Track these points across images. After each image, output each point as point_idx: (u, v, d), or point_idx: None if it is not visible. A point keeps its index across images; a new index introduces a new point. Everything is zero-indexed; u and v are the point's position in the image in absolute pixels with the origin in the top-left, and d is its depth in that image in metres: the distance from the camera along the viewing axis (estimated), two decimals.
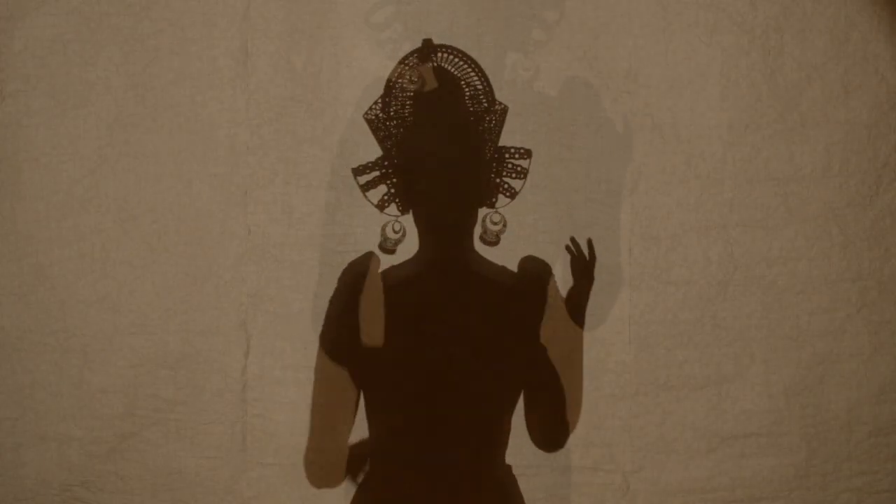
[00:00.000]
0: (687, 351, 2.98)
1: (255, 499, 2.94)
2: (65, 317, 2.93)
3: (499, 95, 2.73)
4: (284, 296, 2.94)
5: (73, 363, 2.93)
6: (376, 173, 2.34)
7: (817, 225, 3.00)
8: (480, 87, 2.32)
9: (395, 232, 2.31)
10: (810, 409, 2.99)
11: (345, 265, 2.86)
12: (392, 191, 2.34)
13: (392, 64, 2.80)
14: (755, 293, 3.00)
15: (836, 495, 2.99)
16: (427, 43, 2.35)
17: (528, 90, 2.95)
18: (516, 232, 2.73)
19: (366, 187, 2.38)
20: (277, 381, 2.94)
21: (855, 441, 3.00)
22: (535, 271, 2.32)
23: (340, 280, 2.45)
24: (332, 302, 2.36)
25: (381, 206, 2.36)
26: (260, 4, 2.93)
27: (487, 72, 2.78)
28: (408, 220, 2.35)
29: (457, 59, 2.32)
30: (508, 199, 2.31)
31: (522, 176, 2.33)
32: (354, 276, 2.41)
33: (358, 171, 2.38)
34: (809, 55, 2.99)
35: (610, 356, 2.91)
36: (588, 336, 2.93)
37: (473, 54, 2.86)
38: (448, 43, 2.84)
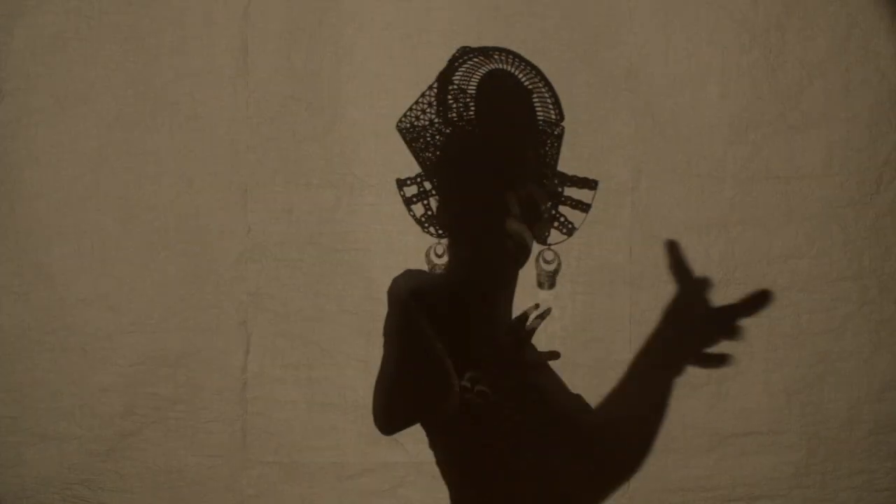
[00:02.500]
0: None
1: (254, 497, 2.95)
2: (64, 315, 2.93)
3: None
4: (284, 294, 2.94)
5: (73, 362, 2.93)
6: (415, 190, 2.01)
7: (818, 223, 2.99)
8: (548, 97, 1.97)
9: (439, 256, 1.99)
10: (810, 407, 2.99)
11: (344, 264, 2.87)
12: (429, 213, 2.01)
13: (390, 63, 2.80)
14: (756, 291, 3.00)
15: (835, 493, 2.99)
16: (467, 49, 1.96)
17: None
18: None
19: (409, 201, 2.08)
20: (277, 379, 2.95)
21: (855, 439, 3.00)
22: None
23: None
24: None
25: (421, 224, 2.06)
26: (260, 3, 2.93)
27: None
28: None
29: (521, 63, 1.89)
30: (565, 236, 1.99)
31: (585, 209, 1.98)
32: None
33: (402, 183, 2.05)
34: (810, 53, 2.98)
35: (610, 355, 2.91)
36: (588, 335, 2.93)
37: None
38: (448, 42, 2.84)
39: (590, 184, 1.94)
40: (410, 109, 2.01)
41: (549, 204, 1.98)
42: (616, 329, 2.96)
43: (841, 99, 2.99)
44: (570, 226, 2.00)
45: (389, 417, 2.08)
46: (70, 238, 2.93)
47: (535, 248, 2.00)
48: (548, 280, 1.98)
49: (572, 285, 2.96)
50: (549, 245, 2.02)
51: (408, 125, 2.06)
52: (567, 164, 2.99)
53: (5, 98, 2.93)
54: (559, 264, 1.94)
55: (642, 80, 2.97)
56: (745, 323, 2.98)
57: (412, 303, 1.99)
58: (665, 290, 2.99)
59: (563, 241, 1.94)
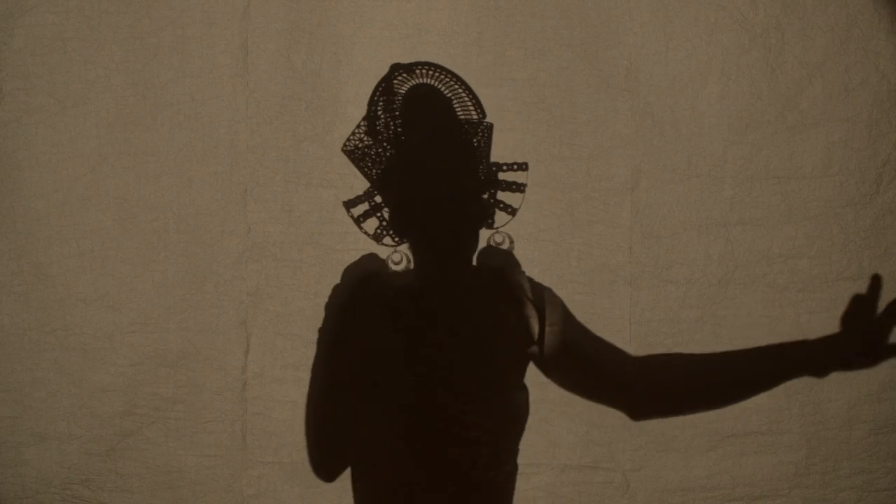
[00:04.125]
0: (687, 349, 2.98)
1: (255, 497, 2.95)
2: (65, 315, 2.93)
3: (499, 92, 2.73)
4: (284, 294, 2.94)
5: (73, 362, 2.92)
6: (366, 206, 2.18)
7: (818, 223, 3.00)
8: (469, 101, 2.16)
9: (396, 263, 2.15)
10: (810, 407, 2.99)
11: (344, 264, 2.85)
12: (384, 224, 2.17)
13: (390, 63, 2.79)
14: (755, 291, 3.00)
15: (835, 493, 2.99)
16: (396, 66, 2.22)
17: (528, 88, 2.95)
18: (517, 230, 2.73)
19: (360, 219, 2.21)
20: (277, 379, 2.94)
21: (854, 439, 3.00)
22: (495, 266, 2.15)
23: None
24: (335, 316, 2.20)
25: (377, 237, 2.20)
26: (260, 3, 2.93)
27: (487, 69, 2.78)
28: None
29: (440, 74, 2.13)
30: (509, 217, 2.17)
31: (521, 190, 2.17)
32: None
33: (350, 204, 2.19)
34: (810, 53, 2.98)
35: None
36: None
37: (473, 52, 2.86)
38: (448, 42, 2.84)
39: (522, 166, 2.14)
40: (354, 132, 2.16)
41: (489, 193, 2.15)
42: (616, 329, 2.96)
43: (840, 99, 2.99)
44: (510, 208, 2.16)
45: (320, 450, 2.17)
46: (70, 237, 2.93)
47: (484, 233, 2.17)
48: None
49: (572, 285, 2.96)
50: (497, 228, 2.15)
51: (352, 147, 2.18)
52: (567, 163, 3.00)
53: (5, 98, 2.93)
54: (511, 241, 2.11)
55: (642, 80, 2.97)
56: (743, 322, 2.98)
57: (361, 287, 2.12)
58: (665, 289, 2.99)
59: (509, 220, 2.09)
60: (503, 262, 2.18)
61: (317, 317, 2.94)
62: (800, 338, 2.97)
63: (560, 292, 2.84)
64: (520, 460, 2.73)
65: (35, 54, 2.93)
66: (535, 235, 2.86)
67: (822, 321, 2.99)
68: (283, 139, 2.94)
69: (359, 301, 2.14)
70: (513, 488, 2.19)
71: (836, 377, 3.01)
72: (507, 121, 2.81)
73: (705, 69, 2.98)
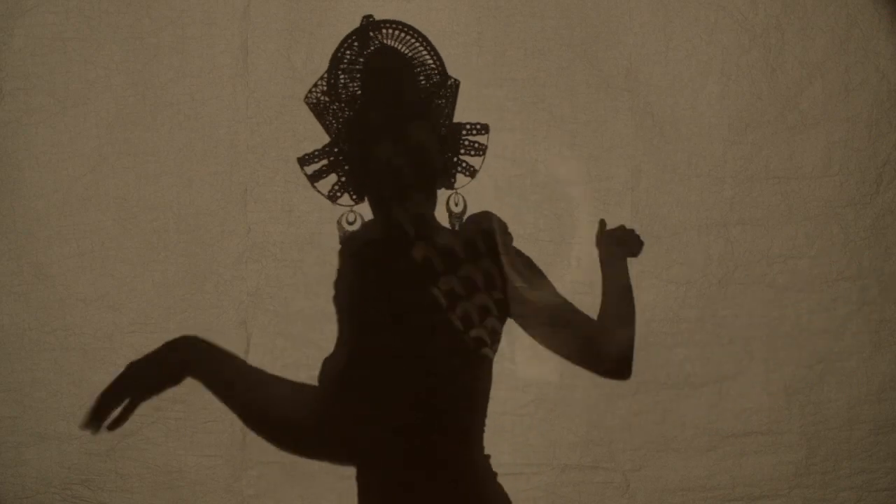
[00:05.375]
0: (687, 349, 2.98)
1: (254, 497, 2.95)
2: (65, 315, 2.93)
3: (499, 92, 2.73)
4: (284, 294, 2.94)
5: (73, 362, 2.93)
6: (324, 162, 2.20)
7: (818, 223, 3.00)
8: (431, 62, 2.18)
9: (350, 223, 2.17)
10: (810, 407, 3.00)
11: None
12: (343, 180, 2.19)
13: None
14: (755, 291, 3.00)
15: (835, 493, 2.99)
16: (367, 19, 2.20)
17: (528, 88, 2.95)
18: (517, 231, 2.73)
19: (314, 177, 2.25)
20: None
21: (855, 439, 3.00)
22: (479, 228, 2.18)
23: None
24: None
25: (332, 196, 2.22)
26: (260, 3, 2.93)
27: (487, 69, 2.78)
28: (364, 209, 2.29)
29: (405, 35, 2.16)
30: (468, 179, 2.19)
31: (481, 153, 2.18)
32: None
33: (304, 161, 2.22)
34: (810, 53, 2.99)
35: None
36: None
37: (473, 52, 2.86)
38: (448, 42, 2.84)
39: (483, 128, 2.16)
40: (315, 85, 2.17)
41: (450, 153, 2.18)
42: None
43: (840, 99, 2.99)
44: (471, 169, 2.19)
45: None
46: (70, 237, 2.93)
47: (443, 193, 2.21)
48: (458, 221, 2.16)
49: (572, 285, 2.96)
50: (456, 189, 2.17)
51: (314, 100, 2.20)
52: (567, 163, 2.99)
53: (5, 98, 2.93)
54: (465, 206, 2.14)
55: (642, 80, 2.97)
56: (743, 322, 2.98)
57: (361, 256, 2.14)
58: (665, 289, 2.99)
59: (468, 182, 2.19)
60: (490, 225, 2.18)
61: (318, 317, 2.95)
62: (798, 338, 3.00)
63: (560, 292, 2.85)
64: (520, 460, 2.73)
65: (35, 54, 2.94)
66: (535, 235, 2.86)
67: (822, 321, 2.99)
68: (283, 139, 2.94)
69: (344, 270, 2.14)
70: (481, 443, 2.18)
71: (835, 378, 3.02)
72: (507, 121, 2.81)
73: (705, 69, 2.98)
